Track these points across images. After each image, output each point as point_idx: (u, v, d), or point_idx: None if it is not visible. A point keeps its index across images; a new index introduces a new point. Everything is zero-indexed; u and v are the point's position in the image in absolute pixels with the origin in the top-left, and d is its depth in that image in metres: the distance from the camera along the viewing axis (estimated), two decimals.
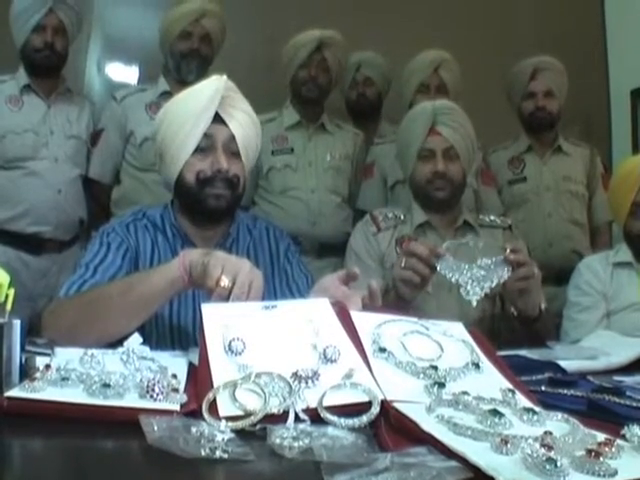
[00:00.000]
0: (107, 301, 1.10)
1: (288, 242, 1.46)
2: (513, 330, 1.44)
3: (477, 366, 0.87)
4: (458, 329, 0.98)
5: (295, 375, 0.77)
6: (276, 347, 0.84)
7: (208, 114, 1.27)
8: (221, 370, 0.78)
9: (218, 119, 1.29)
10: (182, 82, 2.18)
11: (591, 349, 1.24)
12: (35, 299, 1.98)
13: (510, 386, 0.82)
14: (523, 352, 1.16)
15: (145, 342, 0.94)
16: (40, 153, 2.10)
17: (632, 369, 1.11)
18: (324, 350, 0.83)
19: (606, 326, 1.68)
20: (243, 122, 1.31)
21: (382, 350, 0.87)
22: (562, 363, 1.06)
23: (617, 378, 1.03)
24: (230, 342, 0.83)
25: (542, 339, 1.38)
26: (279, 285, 1.38)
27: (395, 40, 2.63)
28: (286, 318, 0.92)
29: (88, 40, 2.72)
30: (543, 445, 0.58)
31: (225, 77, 1.29)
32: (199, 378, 0.80)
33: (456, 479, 0.52)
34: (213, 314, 0.90)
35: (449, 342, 0.93)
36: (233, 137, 1.30)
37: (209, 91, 1.28)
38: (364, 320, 0.94)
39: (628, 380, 1.01)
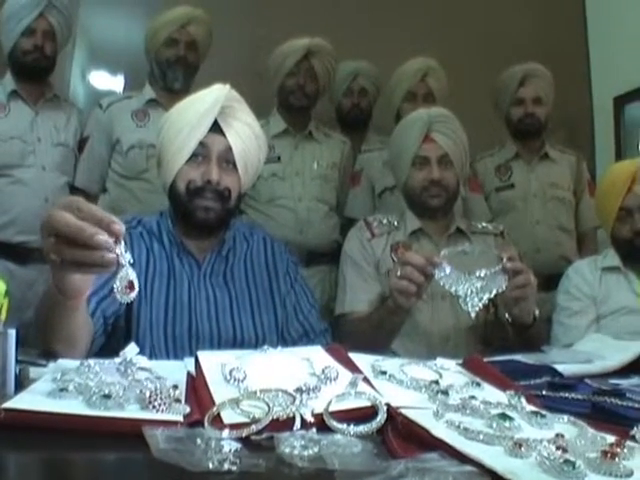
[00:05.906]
0: None
1: (287, 258, 1.42)
2: (506, 337, 1.44)
3: (478, 384, 0.88)
4: (452, 364, 0.98)
5: (298, 390, 0.76)
6: (276, 376, 0.83)
7: (206, 122, 1.25)
8: (223, 392, 0.77)
9: (217, 129, 1.26)
10: (168, 90, 2.19)
11: (585, 353, 1.24)
12: (22, 310, 1.94)
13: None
14: (518, 357, 1.16)
15: (140, 352, 0.92)
16: (27, 161, 2.07)
17: (626, 371, 1.11)
18: (322, 371, 0.83)
19: (596, 330, 1.69)
20: (242, 134, 1.28)
21: (383, 373, 0.88)
22: (558, 367, 1.06)
23: (613, 381, 1.03)
24: (231, 371, 0.81)
25: (535, 346, 1.38)
26: (280, 304, 1.35)
27: (382, 48, 2.65)
28: (282, 356, 0.94)
29: (73, 48, 2.69)
30: (557, 447, 0.57)
31: (228, 86, 1.27)
32: (200, 401, 0.77)
33: None
34: (209, 355, 0.91)
35: (446, 371, 0.95)
36: (230, 148, 1.27)
37: (209, 99, 1.26)
38: (360, 357, 0.96)
39: (624, 383, 1.01)
